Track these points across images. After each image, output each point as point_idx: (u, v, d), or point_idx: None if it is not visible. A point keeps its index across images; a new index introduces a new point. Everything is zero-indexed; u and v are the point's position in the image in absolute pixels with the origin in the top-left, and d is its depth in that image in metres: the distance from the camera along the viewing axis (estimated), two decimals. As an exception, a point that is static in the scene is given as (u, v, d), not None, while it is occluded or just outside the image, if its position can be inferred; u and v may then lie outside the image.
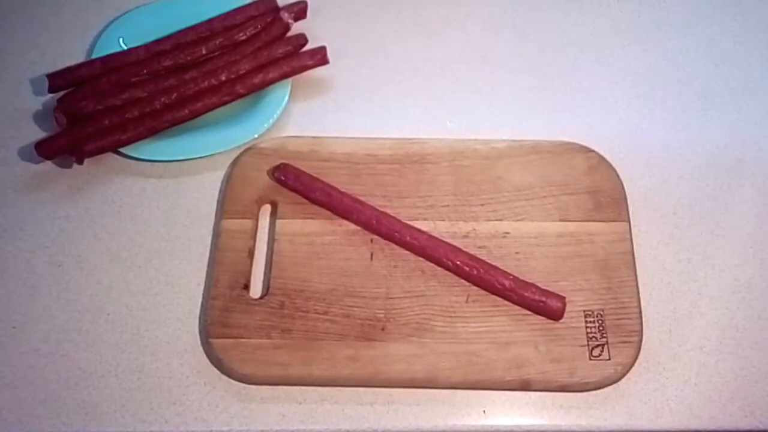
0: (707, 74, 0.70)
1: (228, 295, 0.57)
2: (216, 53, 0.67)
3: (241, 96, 0.65)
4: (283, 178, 0.61)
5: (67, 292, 0.59)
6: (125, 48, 0.68)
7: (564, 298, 0.55)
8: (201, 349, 0.57)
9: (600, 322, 0.56)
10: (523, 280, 0.56)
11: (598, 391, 0.54)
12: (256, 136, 0.65)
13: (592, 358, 0.54)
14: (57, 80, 0.65)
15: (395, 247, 0.59)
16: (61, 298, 0.59)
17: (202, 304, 0.58)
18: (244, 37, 0.67)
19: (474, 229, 0.60)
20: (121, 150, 0.64)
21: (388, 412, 0.54)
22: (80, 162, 0.64)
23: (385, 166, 0.63)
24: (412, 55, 0.72)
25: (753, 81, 0.70)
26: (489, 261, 0.57)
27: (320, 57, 0.66)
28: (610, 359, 0.54)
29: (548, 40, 0.73)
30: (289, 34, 0.68)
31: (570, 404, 0.54)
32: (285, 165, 0.62)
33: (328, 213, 0.60)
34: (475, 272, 0.56)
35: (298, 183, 0.61)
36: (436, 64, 0.71)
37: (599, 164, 0.63)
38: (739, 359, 0.56)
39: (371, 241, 0.59)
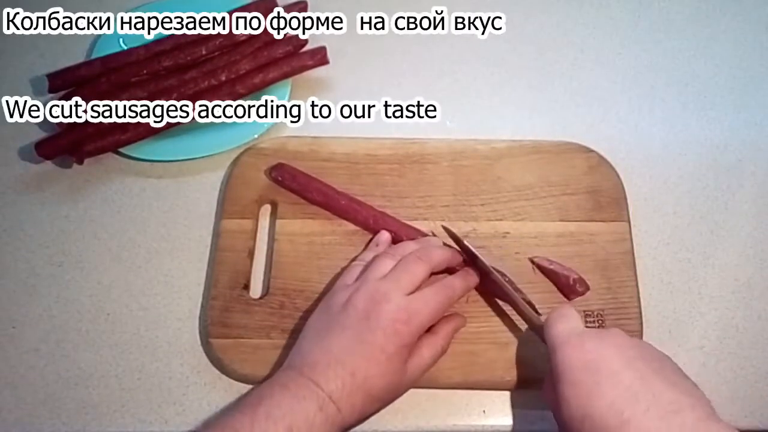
0: (707, 74, 0.70)
1: (228, 295, 0.57)
2: (216, 53, 0.67)
3: (241, 96, 0.65)
4: (280, 178, 0.61)
5: (67, 292, 0.59)
6: (125, 48, 0.68)
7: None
8: (201, 349, 0.57)
9: (600, 322, 0.56)
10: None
11: (598, 391, 0.54)
12: (256, 136, 0.65)
13: (592, 358, 0.54)
14: (57, 80, 0.65)
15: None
16: (61, 298, 0.59)
17: (202, 304, 0.58)
18: (244, 38, 0.67)
19: (474, 229, 0.60)
20: (121, 150, 0.64)
21: (388, 413, 0.54)
22: (80, 162, 0.64)
23: (385, 166, 0.63)
24: (412, 55, 0.72)
25: (753, 81, 0.70)
26: (489, 261, 0.57)
27: (320, 57, 0.66)
28: (610, 359, 0.54)
29: (548, 40, 0.73)
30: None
31: (570, 404, 0.54)
32: (282, 165, 0.62)
33: (328, 213, 0.60)
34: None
35: (294, 183, 0.61)
36: (435, 64, 0.71)
37: (599, 164, 0.63)
38: (739, 359, 0.56)
39: (371, 241, 0.59)
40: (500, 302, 0.56)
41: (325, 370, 0.47)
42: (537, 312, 0.54)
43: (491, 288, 0.56)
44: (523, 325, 0.56)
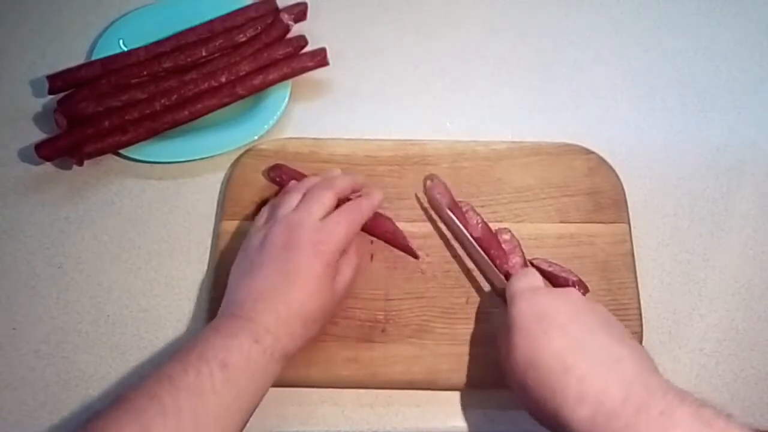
0: (707, 75, 0.70)
1: (228, 296, 0.57)
2: (216, 55, 0.67)
3: (241, 97, 0.65)
4: (278, 179, 0.61)
5: (67, 293, 0.59)
6: (125, 49, 0.68)
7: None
8: (201, 350, 0.57)
9: (600, 323, 0.56)
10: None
11: (598, 393, 0.54)
12: (256, 137, 0.65)
13: (591, 359, 0.54)
14: (57, 81, 0.65)
15: (395, 248, 0.59)
16: (61, 300, 0.59)
17: (202, 305, 0.58)
18: (244, 39, 0.67)
19: (474, 231, 0.60)
20: (121, 151, 0.64)
21: (388, 414, 0.55)
22: (80, 163, 0.64)
23: (385, 167, 0.63)
24: (412, 57, 0.72)
25: (752, 82, 0.70)
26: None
27: (320, 58, 0.66)
28: (609, 361, 0.54)
29: (548, 41, 0.73)
30: (290, 35, 0.68)
31: (570, 406, 0.54)
32: (280, 165, 0.62)
33: (328, 214, 0.61)
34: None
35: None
36: (435, 65, 0.71)
37: (599, 166, 0.63)
38: (739, 360, 0.56)
39: (371, 242, 0.59)
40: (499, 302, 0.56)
41: (254, 306, 0.48)
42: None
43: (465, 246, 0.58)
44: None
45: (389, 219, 0.59)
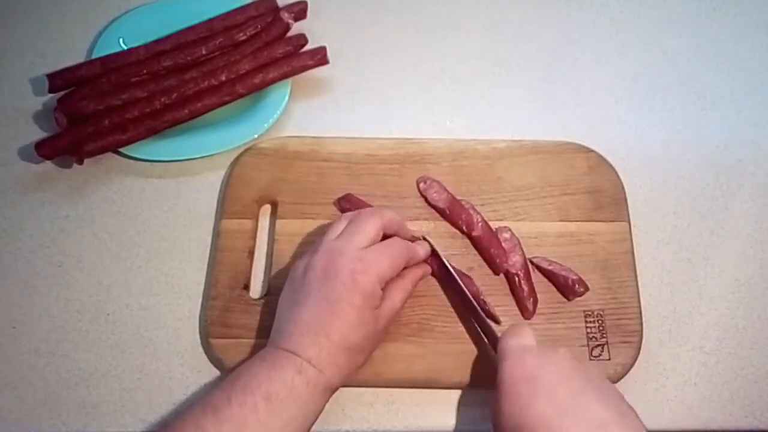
0: (707, 74, 0.70)
1: (228, 295, 0.57)
2: (216, 53, 0.67)
3: (241, 96, 0.65)
4: (345, 208, 0.60)
5: (67, 292, 0.59)
6: (125, 48, 0.68)
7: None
8: (201, 349, 0.57)
9: (600, 322, 0.56)
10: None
11: (598, 391, 0.54)
12: (256, 136, 0.65)
13: (592, 358, 0.54)
14: (57, 80, 0.65)
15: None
16: (61, 298, 0.59)
17: (202, 304, 0.58)
18: (244, 37, 0.67)
19: (474, 229, 0.60)
20: (121, 150, 0.64)
21: (389, 413, 0.54)
22: (80, 162, 0.64)
23: (385, 166, 0.63)
24: (412, 55, 0.72)
25: (753, 81, 0.70)
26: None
27: (320, 57, 0.66)
28: (610, 359, 0.54)
29: (548, 40, 0.73)
30: (289, 34, 0.68)
31: (570, 404, 0.54)
32: (350, 195, 0.60)
33: (329, 213, 0.60)
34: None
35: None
36: (436, 64, 0.71)
37: (599, 164, 0.63)
38: (739, 359, 0.56)
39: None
40: (499, 301, 0.56)
41: (300, 339, 0.48)
42: (498, 322, 0.55)
43: (460, 298, 0.56)
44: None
45: (471, 280, 0.57)
